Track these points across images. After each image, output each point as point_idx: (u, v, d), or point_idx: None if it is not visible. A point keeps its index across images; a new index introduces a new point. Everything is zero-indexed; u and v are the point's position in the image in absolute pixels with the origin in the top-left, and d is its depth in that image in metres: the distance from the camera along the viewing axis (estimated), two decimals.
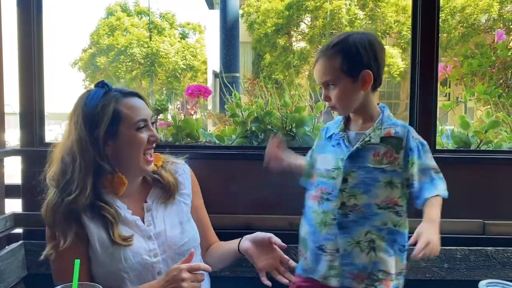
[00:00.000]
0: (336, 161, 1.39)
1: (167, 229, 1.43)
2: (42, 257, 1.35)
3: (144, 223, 1.42)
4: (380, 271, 1.35)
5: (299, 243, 1.46)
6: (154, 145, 1.42)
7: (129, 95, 1.40)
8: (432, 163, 1.35)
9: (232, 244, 1.52)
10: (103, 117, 1.33)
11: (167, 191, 1.48)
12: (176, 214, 1.48)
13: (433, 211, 1.27)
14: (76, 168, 1.32)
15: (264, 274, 1.42)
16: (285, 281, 1.42)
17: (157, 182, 1.48)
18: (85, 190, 1.32)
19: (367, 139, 1.36)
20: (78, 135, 1.33)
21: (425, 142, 1.36)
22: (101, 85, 1.40)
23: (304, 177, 1.51)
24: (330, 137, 1.45)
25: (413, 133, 1.36)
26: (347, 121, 1.45)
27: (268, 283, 1.39)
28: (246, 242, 1.47)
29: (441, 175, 1.34)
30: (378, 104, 1.42)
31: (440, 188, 1.30)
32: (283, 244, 1.42)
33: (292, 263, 1.43)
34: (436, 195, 1.29)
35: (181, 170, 1.56)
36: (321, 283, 1.39)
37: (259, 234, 1.46)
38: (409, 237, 1.28)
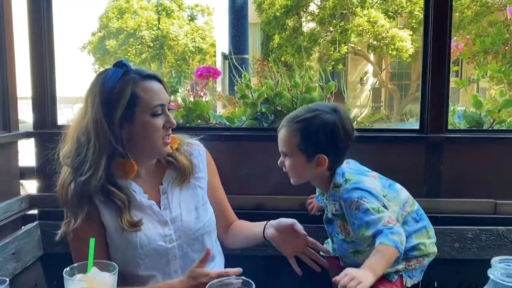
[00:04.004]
0: None
1: (183, 213, 1.42)
2: (57, 237, 1.36)
3: (160, 207, 1.41)
4: None
5: None
6: (170, 131, 1.40)
7: (147, 78, 1.36)
8: (382, 221, 1.26)
9: (257, 229, 1.52)
10: (120, 99, 1.30)
11: (182, 174, 1.46)
12: (192, 198, 1.47)
13: (373, 259, 1.22)
14: (90, 148, 1.30)
15: (294, 261, 1.44)
16: (315, 266, 1.44)
17: (172, 165, 1.46)
18: (98, 171, 1.29)
19: (327, 212, 1.46)
20: (95, 116, 1.30)
21: (365, 207, 1.28)
22: (119, 65, 1.36)
23: None
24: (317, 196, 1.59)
25: (350, 203, 1.32)
26: None
27: (299, 271, 1.42)
28: (270, 229, 1.47)
29: (393, 227, 1.26)
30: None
31: (387, 236, 1.23)
32: (304, 232, 1.43)
33: (320, 246, 1.45)
34: (386, 244, 1.23)
35: (196, 152, 1.53)
36: None
37: (282, 221, 1.45)
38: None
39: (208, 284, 0.94)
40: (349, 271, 1.16)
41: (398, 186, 1.47)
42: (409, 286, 1.42)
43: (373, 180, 1.40)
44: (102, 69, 1.44)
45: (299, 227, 1.43)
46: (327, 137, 1.34)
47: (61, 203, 1.36)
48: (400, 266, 1.39)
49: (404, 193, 1.46)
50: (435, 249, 1.46)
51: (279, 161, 1.44)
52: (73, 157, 1.33)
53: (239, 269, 1.23)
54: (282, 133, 1.40)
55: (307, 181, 1.46)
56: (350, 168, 1.42)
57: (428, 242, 1.44)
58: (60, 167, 1.39)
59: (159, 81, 1.39)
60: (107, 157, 1.32)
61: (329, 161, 1.36)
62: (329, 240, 1.56)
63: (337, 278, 1.14)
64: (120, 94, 1.31)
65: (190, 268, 1.29)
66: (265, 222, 1.52)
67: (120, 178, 1.37)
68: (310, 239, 1.44)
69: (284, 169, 1.43)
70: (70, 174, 1.34)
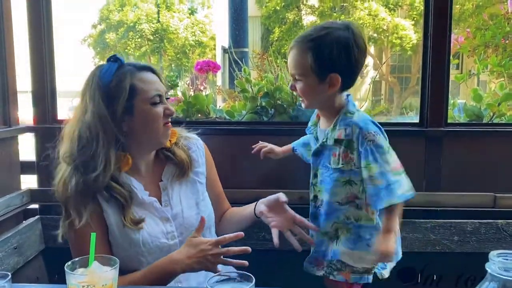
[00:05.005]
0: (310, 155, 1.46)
1: (184, 210, 1.43)
2: (59, 238, 1.33)
3: (161, 203, 1.41)
4: (339, 261, 1.38)
5: None
6: (169, 118, 1.40)
7: (142, 69, 1.37)
8: (391, 165, 1.27)
9: (248, 209, 1.55)
10: (120, 92, 1.30)
11: (181, 169, 1.46)
12: (192, 194, 1.48)
13: (387, 222, 1.27)
14: (100, 144, 1.29)
15: (276, 233, 1.43)
16: (297, 245, 1.42)
17: (170, 160, 1.46)
18: (109, 166, 1.29)
19: (324, 139, 1.38)
20: (98, 111, 1.29)
21: (381, 143, 1.28)
22: (113, 59, 1.37)
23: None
24: (310, 127, 1.52)
25: (366, 133, 1.29)
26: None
27: (277, 243, 1.41)
28: (261, 206, 1.49)
29: (400, 176, 1.27)
30: (347, 95, 1.40)
31: (395, 194, 1.24)
32: (285, 199, 1.44)
33: (307, 223, 1.43)
34: (390, 205, 1.25)
35: (194, 146, 1.54)
36: None
37: (270, 197, 1.48)
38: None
39: (208, 279, 0.95)
40: (380, 250, 1.25)
41: None
42: (387, 276, 1.38)
43: None
44: (102, 63, 1.43)
45: (283, 197, 1.45)
46: (340, 54, 1.29)
47: (62, 202, 1.33)
48: (370, 265, 1.36)
49: None
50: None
51: (290, 85, 1.41)
52: (76, 155, 1.31)
53: (240, 233, 1.28)
54: (292, 54, 1.34)
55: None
56: None
57: None
58: (56, 165, 1.37)
59: (154, 72, 1.40)
60: (116, 151, 1.32)
61: (342, 80, 1.31)
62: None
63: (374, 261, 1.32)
64: (119, 87, 1.31)
65: (188, 238, 1.31)
66: (256, 202, 1.54)
67: (123, 174, 1.36)
68: (298, 216, 1.44)
69: (295, 93, 1.42)
70: (72, 172, 1.31)
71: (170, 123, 1.41)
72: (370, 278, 1.37)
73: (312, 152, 1.44)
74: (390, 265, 1.40)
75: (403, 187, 1.25)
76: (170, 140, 1.44)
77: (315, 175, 1.44)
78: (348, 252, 1.37)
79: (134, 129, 1.36)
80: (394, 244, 1.26)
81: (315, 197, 1.44)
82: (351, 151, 1.32)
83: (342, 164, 1.34)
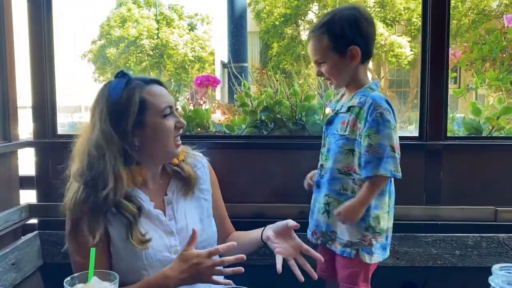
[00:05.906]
0: None
1: (189, 224, 1.42)
2: (63, 249, 1.33)
3: (165, 217, 1.40)
4: (333, 232, 1.46)
5: None
6: (181, 131, 1.41)
7: (151, 82, 1.38)
8: (392, 141, 1.35)
9: (254, 234, 1.53)
10: (130, 107, 1.31)
11: (187, 184, 1.46)
12: (196, 209, 1.47)
13: (365, 192, 1.36)
14: (107, 162, 1.28)
15: (280, 260, 1.39)
16: (299, 275, 1.37)
17: (177, 174, 1.46)
18: (120, 182, 1.28)
19: (338, 108, 1.49)
20: (104, 129, 1.30)
21: (388, 118, 1.35)
22: (121, 75, 1.37)
23: None
24: (332, 102, 1.64)
25: (377, 105, 1.36)
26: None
27: (279, 268, 1.37)
28: (268, 231, 1.47)
29: (396, 155, 1.35)
30: (374, 81, 1.50)
31: (384, 167, 1.33)
32: (295, 223, 1.44)
33: (313, 252, 1.41)
34: (376, 175, 1.33)
35: (199, 164, 1.54)
36: None
37: (279, 223, 1.47)
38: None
39: None
40: (340, 209, 1.37)
41: None
42: (368, 261, 1.41)
43: None
44: (102, 78, 1.44)
45: (292, 223, 1.44)
46: (351, 27, 1.41)
47: (73, 219, 1.31)
48: (354, 239, 1.41)
49: None
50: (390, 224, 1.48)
51: (316, 72, 1.50)
52: (86, 173, 1.30)
53: (233, 243, 1.28)
54: (311, 43, 1.47)
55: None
56: None
57: (386, 216, 1.44)
58: (66, 183, 1.36)
59: (162, 85, 1.41)
60: (125, 165, 1.32)
61: (361, 51, 1.42)
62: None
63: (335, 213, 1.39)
64: (129, 102, 1.31)
65: (180, 252, 1.30)
66: (263, 227, 1.52)
67: (130, 187, 1.36)
68: (305, 245, 1.42)
69: (322, 78, 1.51)
70: (85, 191, 1.30)
71: (179, 138, 1.40)
72: (353, 254, 1.41)
73: (325, 121, 1.55)
74: (376, 255, 1.42)
75: (394, 165, 1.34)
76: (178, 158, 1.45)
77: (324, 144, 1.53)
78: (340, 224, 1.44)
79: (145, 143, 1.35)
80: (359, 216, 1.37)
81: (322, 166, 1.51)
82: (359, 120, 1.41)
83: (349, 131, 1.42)
